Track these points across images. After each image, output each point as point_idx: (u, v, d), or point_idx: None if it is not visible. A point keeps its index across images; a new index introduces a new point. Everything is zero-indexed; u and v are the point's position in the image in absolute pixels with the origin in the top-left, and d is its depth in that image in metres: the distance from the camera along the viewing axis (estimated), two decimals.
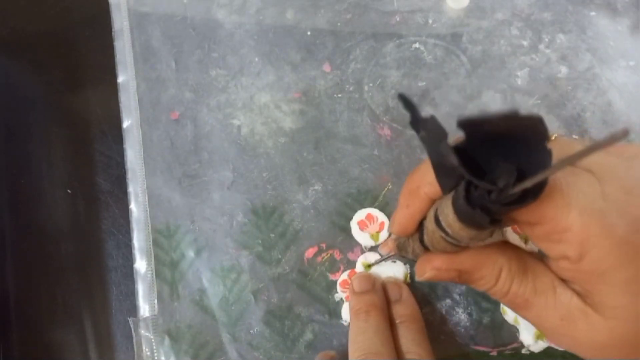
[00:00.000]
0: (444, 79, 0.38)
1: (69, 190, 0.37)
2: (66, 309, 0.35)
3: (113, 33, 0.40)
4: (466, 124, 0.16)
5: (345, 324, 0.32)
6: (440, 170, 0.20)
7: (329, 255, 0.34)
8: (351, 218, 0.34)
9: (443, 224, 0.21)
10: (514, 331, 0.31)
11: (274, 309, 0.33)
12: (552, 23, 0.39)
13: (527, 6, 0.39)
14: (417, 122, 0.19)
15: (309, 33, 0.39)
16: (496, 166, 0.17)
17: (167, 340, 0.33)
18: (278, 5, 0.40)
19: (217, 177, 0.36)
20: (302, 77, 0.38)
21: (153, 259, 0.34)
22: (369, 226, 0.34)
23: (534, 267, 0.22)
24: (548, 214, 0.19)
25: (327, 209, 0.35)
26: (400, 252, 0.27)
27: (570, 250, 0.19)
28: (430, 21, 0.39)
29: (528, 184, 0.16)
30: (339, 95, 0.38)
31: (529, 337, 0.31)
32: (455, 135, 0.18)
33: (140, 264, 0.34)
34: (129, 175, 0.36)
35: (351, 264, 0.33)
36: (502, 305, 0.32)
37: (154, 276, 0.34)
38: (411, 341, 0.28)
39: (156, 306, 0.33)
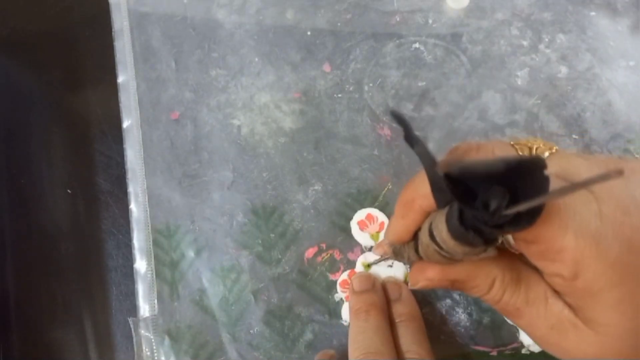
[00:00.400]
0: (444, 79, 0.38)
1: (69, 190, 0.37)
2: (66, 309, 0.35)
3: (113, 33, 0.40)
4: (466, 173, 0.17)
5: (345, 323, 0.32)
6: (435, 185, 0.20)
7: (329, 255, 0.34)
8: (351, 218, 0.34)
9: (437, 239, 0.21)
10: (514, 331, 0.31)
11: (274, 309, 0.33)
12: (552, 23, 0.39)
13: (527, 6, 0.39)
14: (411, 138, 0.19)
15: (309, 33, 0.39)
16: (489, 187, 0.17)
17: (167, 340, 0.33)
18: (278, 5, 0.40)
19: (217, 177, 0.36)
20: (302, 77, 0.38)
21: (153, 259, 0.34)
22: (369, 226, 0.34)
23: (527, 277, 0.22)
24: (544, 234, 0.19)
25: (327, 209, 0.35)
26: (397, 257, 0.27)
27: (564, 269, 0.20)
28: (430, 21, 0.39)
29: (521, 207, 0.16)
30: (339, 95, 0.38)
31: (529, 337, 0.31)
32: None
33: (140, 264, 0.34)
34: (129, 175, 0.36)
35: (351, 264, 0.33)
36: None
37: (154, 276, 0.34)
38: (411, 340, 0.28)
39: (156, 306, 0.33)
